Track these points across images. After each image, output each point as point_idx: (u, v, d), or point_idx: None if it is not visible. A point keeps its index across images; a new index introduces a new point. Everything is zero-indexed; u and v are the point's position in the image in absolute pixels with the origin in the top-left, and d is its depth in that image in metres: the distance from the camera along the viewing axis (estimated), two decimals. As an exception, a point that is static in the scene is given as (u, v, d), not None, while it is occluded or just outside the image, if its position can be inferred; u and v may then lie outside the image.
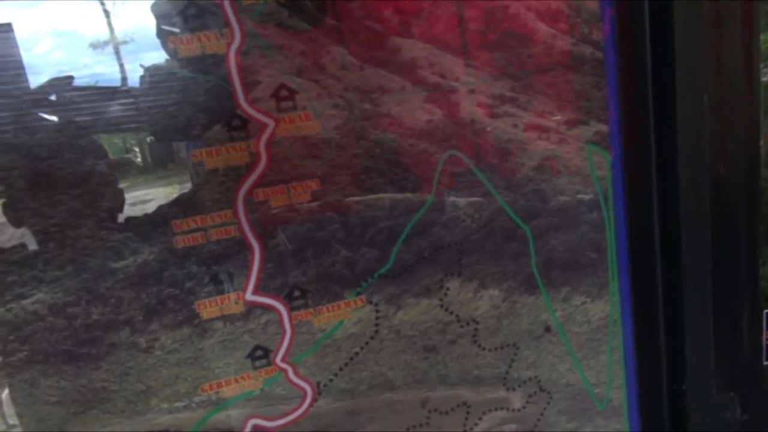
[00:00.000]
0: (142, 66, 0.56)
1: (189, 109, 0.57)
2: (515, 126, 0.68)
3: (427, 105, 0.64)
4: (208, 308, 0.61)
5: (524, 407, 0.75)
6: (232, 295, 0.61)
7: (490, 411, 0.74)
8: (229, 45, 0.57)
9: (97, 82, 0.55)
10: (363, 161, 0.63)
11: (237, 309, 0.62)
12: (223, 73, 0.57)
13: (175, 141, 0.57)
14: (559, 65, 0.68)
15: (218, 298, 0.61)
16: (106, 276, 0.57)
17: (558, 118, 0.70)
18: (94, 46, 0.54)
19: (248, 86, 0.58)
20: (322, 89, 0.60)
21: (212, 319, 0.61)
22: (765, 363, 0.81)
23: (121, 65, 0.55)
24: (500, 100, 0.66)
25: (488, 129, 0.67)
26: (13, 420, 0.58)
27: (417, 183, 0.65)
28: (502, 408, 0.74)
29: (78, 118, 0.54)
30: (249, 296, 0.62)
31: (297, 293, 0.63)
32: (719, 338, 0.78)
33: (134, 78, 0.56)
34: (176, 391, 0.61)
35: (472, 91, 0.65)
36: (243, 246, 0.60)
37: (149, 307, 0.59)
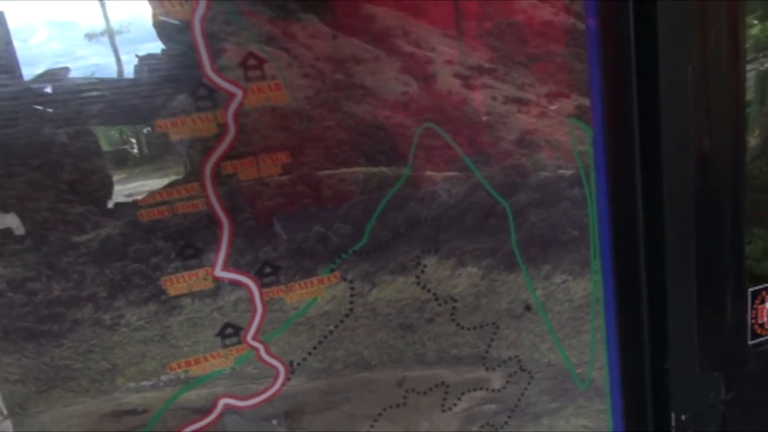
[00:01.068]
0: (137, 56, 0.55)
1: (152, 77, 0.55)
2: (494, 99, 0.66)
3: (403, 76, 0.62)
4: (175, 284, 0.59)
5: (504, 387, 0.74)
6: (201, 271, 0.59)
7: (469, 391, 0.72)
8: (193, 11, 0.55)
9: (93, 73, 0.54)
10: (336, 133, 0.61)
11: (206, 285, 0.60)
12: (188, 40, 0.55)
13: (138, 110, 0.55)
14: (540, 36, 0.66)
15: (186, 274, 0.59)
16: (68, 250, 0.55)
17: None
18: (90, 36, 0.54)
19: (214, 54, 0.56)
20: (292, 58, 0.58)
21: (180, 296, 0.59)
22: (749, 342, 0.80)
23: (117, 56, 0.54)
24: (478, 72, 0.64)
25: (466, 102, 0.65)
26: (-26, 399, 0.57)
27: (392, 156, 0.63)
28: (481, 388, 0.73)
29: (33, 85, 0.52)
30: (218, 272, 0.60)
31: (268, 269, 0.62)
32: (703, 317, 0.77)
33: (130, 69, 0.55)
34: (143, 370, 0.60)
35: (449, 62, 0.63)
36: (211, 220, 0.59)
37: (114, 283, 0.57)
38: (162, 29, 0.55)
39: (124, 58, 0.55)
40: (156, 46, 0.55)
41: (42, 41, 0.53)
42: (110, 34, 0.54)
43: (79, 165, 0.54)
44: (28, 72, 0.52)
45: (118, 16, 0.54)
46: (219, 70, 0.56)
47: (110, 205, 0.56)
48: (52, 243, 0.55)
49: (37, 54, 0.52)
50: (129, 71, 0.55)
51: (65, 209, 0.54)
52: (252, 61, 0.57)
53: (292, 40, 0.58)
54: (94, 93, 0.54)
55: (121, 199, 0.56)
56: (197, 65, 0.55)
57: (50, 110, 0.52)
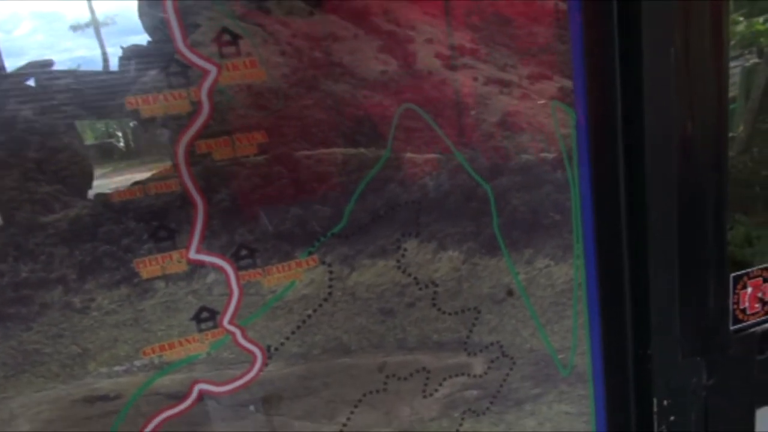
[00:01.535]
0: (122, 47, 0.54)
1: (123, 51, 0.53)
2: (475, 79, 0.65)
3: (382, 55, 0.61)
4: (148, 267, 0.57)
5: (486, 373, 0.73)
6: (174, 254, 0.58)
7: (450, 377, 0.72)
8: (165, -16, 0.53)
9: (78, 65, 0.53)
10: (313, 113, 0.60)
11: (180, 268, 0.58)
12: (160, 14, 0.53)
13: (106, 86, 0.54)
14: (522, 17, 0.65)
15: (159, 256, 0.57)
16: (36, 231, 0.53)
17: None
18: (75, 28, 0.53)
19: (187, 29, 0.54)
20: (268, 35, 0.57)
21: (153, 279, 0.58)
22: (731, 328, 0.80)
23: (103, 48, 0.53)
24: (459, 52, 0.63)
25: (447, 83, 0.64)
26: (-61, 385, 0.55)
27: (371, 137, 0.62)
28: (463, 373, 0.72)
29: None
30: (192, 255, 0.59)
31: (244, 252, 0.60)
32: (685, 303, 0.76)
33: (115, 61, 0.54)
34: (115, 355, 0.58)
35: (429, 41, 0.62)
36: (185, 201, 0.57)
37: (84, 265, 0.55)
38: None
39: (109, 50, 0.54)
40: (142, 39, 0.54)
41: (26, 33, 0.52)
42: (95, 25, 0.53)
43: (45, 143, 0.52)
44: (12, 64, 0.51)
45: (104, 8, 0.53)
46: (192, 46, 0.54)
47: (90, 195, 0.55)
48: (19, 223, 0.53)
49: (21, 46, 0.51)
50: (114, 63, 0.54)
51: (32, 188, 0.53)
52: (226, 37, 0.55)
53: (268, 15, 0.57)
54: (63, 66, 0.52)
55: (103, 191, 0.55)
56: (169, 40, 0.54)
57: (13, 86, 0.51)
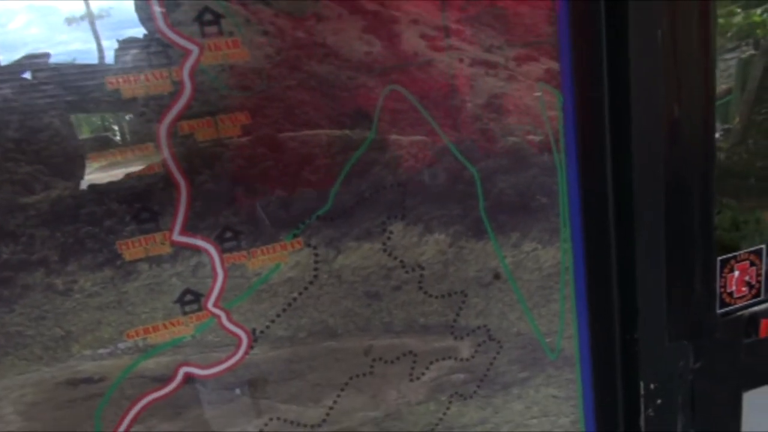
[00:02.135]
0: (118, 41, 0.53)
1: (101, 31, 0.53)
2: (461, 61, 0.64)
3: (366, 35, 0.61)
4: (131, 249, 0.57)
5: (473, 356, 0.73)
6: (158, 235, 0.58)
7: (437, 360, 0.72)
8: (146, -38, 0.52)
9: (74, 59, 0.53)
10: (297, 94, 0.59)
11: (163, 250, 0.58)
12: (141, -7, 0.53)
13: (85, 66, 0.53)
14: (508, -2, 0.65)
15: (142, 238, 0.57)
16: (16, 212, 0.53)
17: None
18: (70, 21, 0.52)
19: (168, 8, 0.54)
20: (251, 14, 0.56)
21: (136, 261, 0.57)
22: (718, 311, 0.80)
23: (98, 41, 0.52)
24: (445, 32, 0.63)
25: (433, 64, 0.63)
26: None
27: (356, 119, 0.62)
28: (450, 357, 0.72)
29: None
30: (176, 236, 0.58)
31: (229, 234, 0.60)
32: (672, 286, 0.76)
33: (111, 54, 0.53)
34: (99, 337, 0.58)
35: (414, 22, 0.62)
36: (168, 182, 0.57)
37: (66, 247, 0.55)
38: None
39: (105, 43, 0.53)
40: (138, 32, 0.53)
41: (21, 26, 0.51)
42: (91, 18, 0.52)
43: (25, 122, 0.52)
44: (7, 57, 0.51)
45: (99, 1, 0.52)
46: (173, 25, 0.54)
47: (83, 186, 0.55)
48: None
49: (16, 39, 0.51)
50: (110, 57, 0.53)
51: (12, 168, 0.52)
52: (208, 16, 0.55)
53: (251, -5, 0.56)
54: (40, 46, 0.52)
55: (96, 182, 0.54)
56: (150, 19, 0.53)
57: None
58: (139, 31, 0.54)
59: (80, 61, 0.53)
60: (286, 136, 0.60)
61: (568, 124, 0.70)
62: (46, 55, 0.52)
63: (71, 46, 0.52)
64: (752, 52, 1.47)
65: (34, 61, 0.52)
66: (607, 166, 0.72)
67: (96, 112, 0.54)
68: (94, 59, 0.53)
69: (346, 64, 0.60)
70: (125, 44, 0.53)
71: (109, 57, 0.53)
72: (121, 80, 0.53)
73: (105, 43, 0.53)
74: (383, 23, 0.61)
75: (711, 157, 0.74)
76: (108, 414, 0.59)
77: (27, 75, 0.51)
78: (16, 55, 0.51)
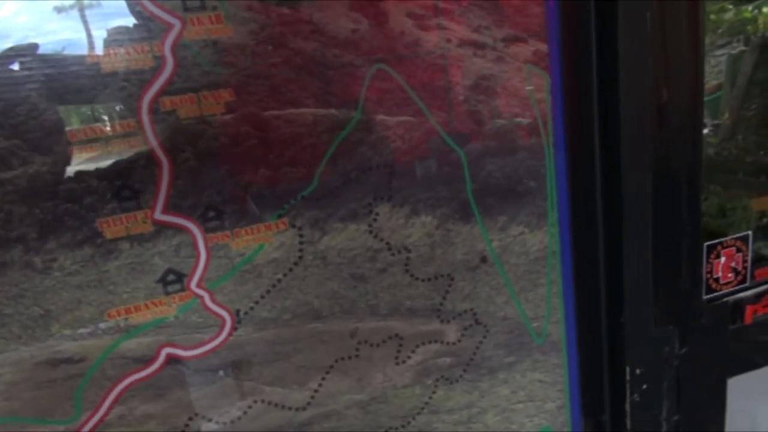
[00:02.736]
0: (107, 30, 0.52)
1: (91, 20, 0.51)
2: (449, 41, 0.64)
3: (353, 13, 0.60)
4: (111, 227, 0.56)
5: (459, 340, 0.73)
6: (139, 214, 0.57)
7: (423, 344, 0.71)
8: (127, -66, 0.51)
9: (63, 48, 0.52)
10: (282, 72, 0.58)
11: (145, 229, 0.57)
12: (121, -35, 0.52)
13: (65, 40, 0.52)
14: (497, -22, 0.64)
15: (123, 216, 0.56)
16: (-7, 187, 0.52)
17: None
18: (60, 10, 0.51)
19: (149, -19, 0.53)
20: (235, -11, 0.55)
21: (117, 239, 0.57)
22: (704, 297, 0.80)
23: (88, 30, 0.51)
24: (433, 12, 0.62)
25: (419, 43, 0.63)
26: None
27: (342, 98, 0.61)
28: (436, 341, 0.72)
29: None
30: (158, 215, 0.57)
31: (212, 214, 0.59)
32: (659, 272, 0.77)
33: (101, 44, 0.52)
34: (80, 317, 0.57)
35: (402, 0, 0.61)
36: (150, 160, 0.56)
37: (44, 224, 0.54)
38: (93, -47, 0.51)
39: (94, 33, 0.52)
40: (128, 21, 0.53)
41: (10, 14, 0.50)
42: (80, 7, 0.51)
43: (2, 95, 0.51)
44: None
45: None
46: (155, -1, 0.53)
47: (70, 173, 0.54)
48: (-25, 179, 0.51)
49: (5, 28, 0.50)
50: (100, 46, 0.52)
51: (-12, 143, 0.51)
52: (191, -10, 0.54)
53: (235, -31, 0.55)
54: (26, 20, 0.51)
55: (83, 168, 0.53)
56: (131, -8, 0.52)
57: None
58: (130, 21, 0.53)
59: (69, 50, 0.52)
60: (270, 115, 0.59)
61: (556, 107, 0.70)
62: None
63: (61, 35, 0.52)
64: (743, 48, 1.47)
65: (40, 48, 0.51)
66: (596, 150, 0.72)
67: (75, 87, 0.53)
68: (83, 49, 0.52)
69: (333, 41, 0.60)
70: (105, 17, 0.52)
71: (99, 46, 0.52)
72: (101, 54, 0.52)
73: (95, 33, 0.52)
74: (370, 0, 0.60)
75: (699, 143, 0.73)
76: (89, 395, 0.59)
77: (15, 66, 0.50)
78: (6, 44, 0.50)
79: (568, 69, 0.68)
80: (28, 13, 0.51)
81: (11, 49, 0.50)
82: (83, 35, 0.52)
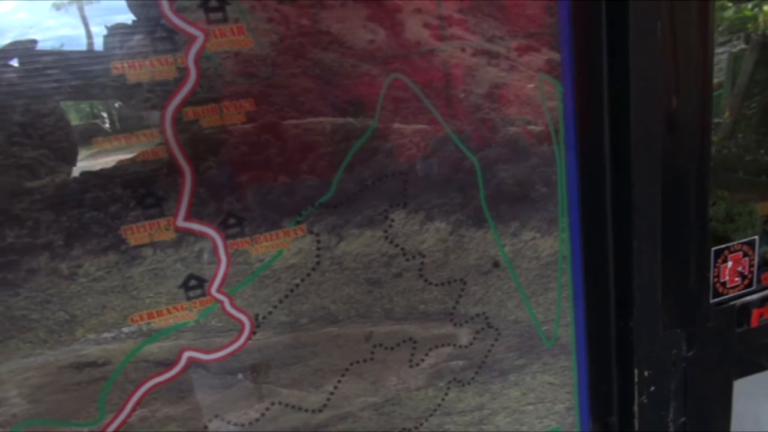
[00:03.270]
0: (106, 27, 0.53)
1: (107, 16, 0.53)
2: (463, 50, 0.65)
3: (370, 24, 0.61)
4: (135, 234, 0.57)
5: (471, 343, 0.74)
6: (162, 221, 0.58)
7: (436, 347, 0.73)
8: (151, -52, 0.53)
9: (62, 44, 0.52)
10: (301, 81, 0.60)
11: (167, 236, 0.59)
12: (146, -22, 0.53)
13: (92, 52, 0.53)
14: (511, -12, 0.65)
15: (146, 223, 0.57)
16: (21, 196, 0.53)
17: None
18: (58, 6, 0.52)
19: (174, -6, 0.54)
20: (256, 1, 0.57)
21: (141, 246, 0.58)
22: (711, 301, 0.82)
23: (87, 27, 0.52)
24: (447, 22, 0.63)
25: (435, 53, 0.64)
26: (-75, 351, 0.55)
27: (359, 107, 0.62)
28: (449, 344, 0.73)
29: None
30: (180, 222, 0.59)
31: (232, 221, 0.60)
32: (667, 276, 0.78)
33: (100, 41, 0.53)
34: (103, 321, 0.58)
35: (417, 11, 0.62)
36: (172, 168, 0.57)
37: (71, 231, 0.55)
38: (118, -33, 0.53)
39: (93, 29, 0.53)
40: (128, 18, 0.53)
41: (9, 11, 0.51)
42: (79, 4, 0.52)
43: (31, 106, 0.52)
44: None
45: None
46: (178, 11, 0.54)
47: (75, 173, 0.55)
48: (4, 188, 0.53)
49: (3, 24, 0.50)
50: (99, 43, 0.53)
51: (17, 153, 0.52)
52: (213, 3, 0.55)
53: (256, -18, 0.56)
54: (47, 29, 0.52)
55: (108, 176, 0.54)
56: (155, 5, 0.53)
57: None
58: (128, 17, 0.53)
59: (68, 47, 0.53)
60: (289, 124, 0.60)
61: (568, 115, 0.71)
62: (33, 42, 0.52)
63: (60, 32, 0.52)
64: (743, 46, 1.48)
65: (38, 45, 0.52)
66: (606, 157, 0.73)
67: (101, 98, 0.55)
68: (82, 45, 0.53)
69: (350, 51, 0.61)
70: (130, 29, 0.53)
71: (98, 43, 0.53)
72: (126, 65, 0.54)
73: (94, 29, 0.53)
74: (387, 12, 0.61)
75: (707, 148, 0.75)
76: (112, 397, 0.60)
77: (14, 62, 0.51)
78: (4, 40, 0.50)
79: (579, 77, 0.70)
80: (27, 9, 0.51)
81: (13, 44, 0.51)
82: (82, 31, 0.52)
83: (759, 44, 1.44)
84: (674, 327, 0.80)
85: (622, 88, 0.70)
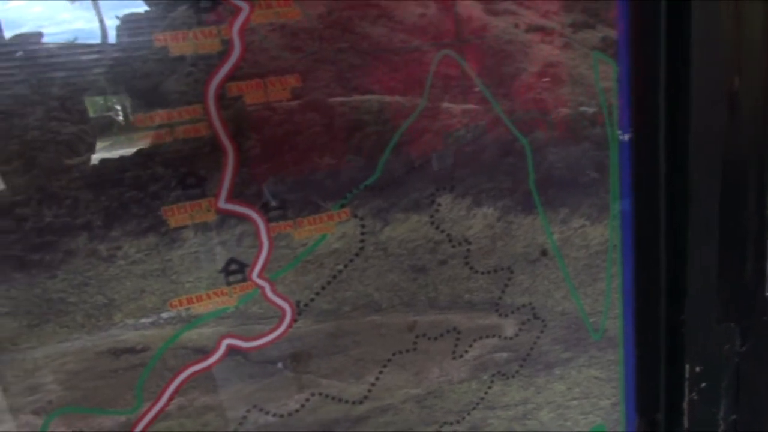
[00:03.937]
0: (118, 17, 0.51)
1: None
2: (516, 26, 0.62)
3: (421, -4, 0.58)
4: (176, 215, 0.55)
5: (517, 335, 0.71)
6: (203, 202, 0.56)
7: (481, 338, 0.70)
8: None
9: (76, 38, 0.50)
10: (349, 57, 0.57)
11: (209, 217, 0.56)
12: (190, -55, 0.50)
13: (134, 22, 0.51)
14: (566, -39, 0.62)
15: (187, 204, 0.55)
16: (60, 173, 0.51)
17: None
18: None
19: (219, -38, 0.51)
20: (303, -29, 0.54)
21: (181, 228, 0.55)
22: (767, 293, 0.78)
23: (101, 20, 0.50)
24: (501, -4, 0.60)
25: (487, 28, 0.60)
26: (-40, 334, 0.53)
27: (408, 85, 0.59)
28: (493, 335, 0.70)
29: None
30: (222, 204, 0.56)
31: (275, 203, 0.58)
32: (722, 267, 0.74)
33: (113, 33, 0.51)
34: (142, 306, 0.56)
35: (470, -17, 0.59)
36: (215, 147, 0.54)
37: (110, 211, 0.53)
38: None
39: (108, 23, 0.51)
40: (140, 11, 0.51)
41: (23, 4, 0.49)
42: None
43: (69, 79, 0.50)
44: (9, 35, 0.48)
45: None
46: (224, -19, 0.51)
47: (136, 159, 0.52)
48: (42, 165, 0.50)
49: (17, 17, 0.49)
50: (113, 36, 0.51)
51: (56, 128, 0.50)
52: (260, -28, 0.52)
53: (304, -50, 0.53)
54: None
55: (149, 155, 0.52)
56: (200, -26, 0.51)
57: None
58: (142, 10, 0.51)
59: (82, 40, 0.50)
60: (336, 101, 0.57)
61: (623, 96, 0.67)
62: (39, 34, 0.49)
63: (74, 25, 0.50)
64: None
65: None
66: (661, 141, 0.70)
67: (143, 72, 0.52)
68: (96, 39, 0.50)
69: (399, 26, 0.58)
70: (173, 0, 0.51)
71: (112, 36, 0.51)
72: (169, 37, 0.51)
73: (108, 23, 0.51)
74: (438, -16, 0.58)
75: (769, 133, 0.71)
76: (149, 385, 0.58)
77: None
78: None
79: (636, 56, 0.66)
80: (41, 2, 0.49)
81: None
82: (96, 25, 0.50)
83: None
84: (728, 321, 0.77)
85: (682, 69, 0.66)
